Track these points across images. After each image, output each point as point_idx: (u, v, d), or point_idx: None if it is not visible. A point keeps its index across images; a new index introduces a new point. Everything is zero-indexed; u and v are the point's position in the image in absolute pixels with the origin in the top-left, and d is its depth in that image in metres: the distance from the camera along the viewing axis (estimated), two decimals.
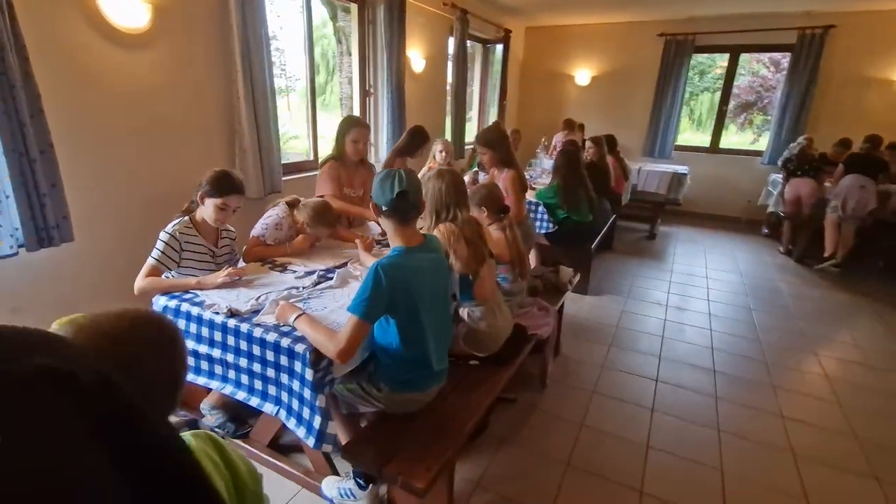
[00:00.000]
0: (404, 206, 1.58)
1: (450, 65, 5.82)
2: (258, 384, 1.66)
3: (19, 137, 2.07)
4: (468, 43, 5.87)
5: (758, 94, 9.93)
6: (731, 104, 7.14)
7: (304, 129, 4.24)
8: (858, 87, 5.96)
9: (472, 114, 7.09)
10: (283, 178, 3.64)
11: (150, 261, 2.00)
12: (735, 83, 6.92)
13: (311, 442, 1.51)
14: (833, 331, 3.71)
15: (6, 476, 0.28)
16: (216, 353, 1.71)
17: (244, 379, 1.69)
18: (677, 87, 6.77)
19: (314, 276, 2.08)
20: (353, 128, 2.83)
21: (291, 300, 1.82)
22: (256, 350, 1.62)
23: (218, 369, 1.75)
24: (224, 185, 2.08)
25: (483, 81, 7.06)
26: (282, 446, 2.14)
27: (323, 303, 1.84)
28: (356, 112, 4.63)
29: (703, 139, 7.22)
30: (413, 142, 3.45)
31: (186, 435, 0.86)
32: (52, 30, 2.24)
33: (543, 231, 4.03)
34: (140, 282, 1.93)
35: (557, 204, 3.96)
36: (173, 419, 1.14)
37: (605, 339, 3.41)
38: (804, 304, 4.18)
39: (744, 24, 6.23)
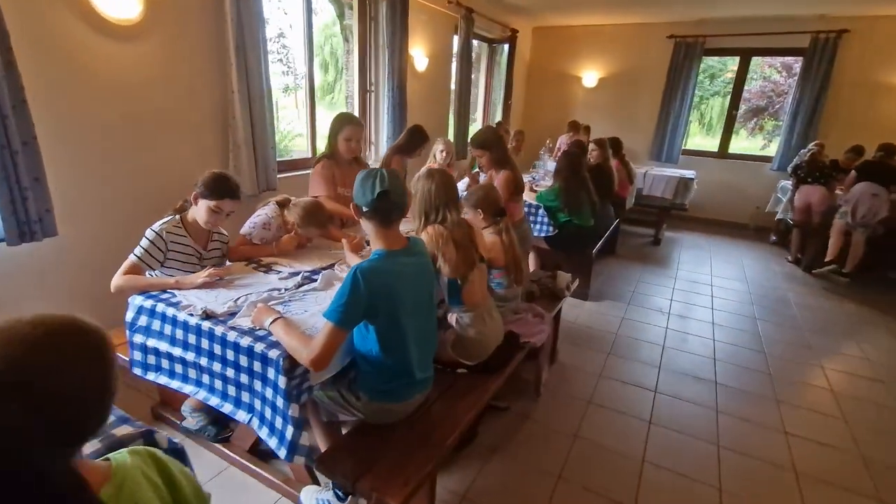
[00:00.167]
0: (386, 208, 1.51)
1: (454, 64, 5.74)
2: (231, 390, 1.59)
3: (0, 129, 2.01)
4: (473, 42, 5.79)
5: (769, 98, 9.78)
6: (742, 109, 7.02)
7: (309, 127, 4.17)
8: (871, 94, 5.81)
9: (477, 114, 7.01)
10: (282, 176, 3.60)
11: (131, 258, 1.93)
12: (746, 88, 6.80)
13: (282, 453, 1.44)
14: (841, 343, 3.59)
15: None
16: (190, 356, 1.64)
17: (217, 384, 1.62)
18: (686, 91, 6.65)
19: (298, 278, 2.01)
20: (347, 125, 2.76)
21: (271, 303, 1.75)
22: (230, 355, 1.55)
23: (192, 373, 1.68)
24: (219, 187, 2.01)
25: (488, 82, 6.97)
26: (263, 452, 2.07)
27: (304, 306, 1.77)
28: (356, 109, 4.55)
29: (714, 144, 7.09)
30: (412, 140, 3.37)
31: (122, 453, 0.79)
32: (38, 20, 2.19)
33: (544, 234, 3.94)
34: (117, 279, 1.86)
35: (558, 207, 3.87)
36: (127, 429, 1.07)
37: (603, 347, 3.31)
38: (812, 314, 4.06)
39: (755, 28, 6.11)
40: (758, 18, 6.01)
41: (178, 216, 2.10)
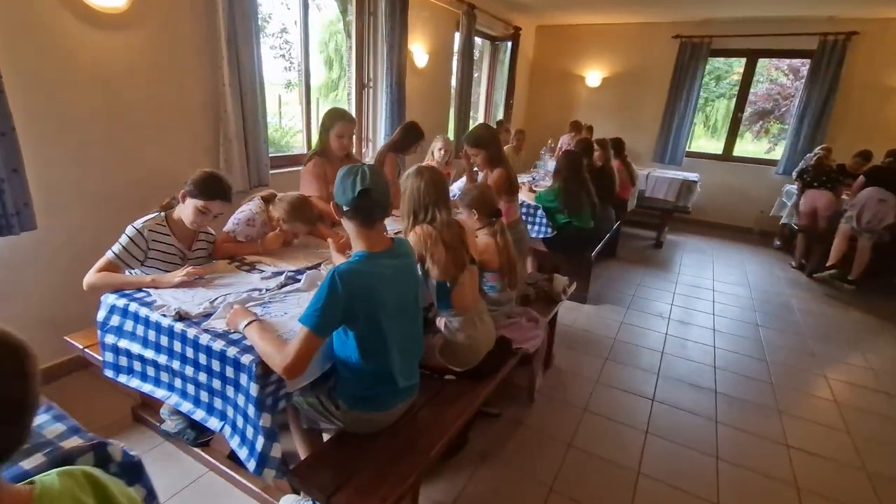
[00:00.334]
0: (367, 207, 1.42)
1: (455, 61, 5.65)
2: (204, 396, 1.51)
3: None
4: (476, 40, 5.70)
5: (775, 101, 9.65)
6: (748, 111, 6.91)
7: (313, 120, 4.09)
8: (881, 97, 5.70)
9: (479, 114, 6.92)
10: (278, 171, 3.52)
11: (108, 254, 1.85)
12: (752, 90, 6.68)
13: (251, 465, 1.35)
14: (845, 352, 3.49)
15: None
16: (162, 359, 1.56)
17: (190, 389, 1.54)
18: (691, 92, 6.55)
19: (281, 278, 1.93)
20: (338, 121, 2.68)
21: (249, 304, 1.67)
22: (202, 358, 1.47)
23: (164, 377, 1.60)
24: (210, 188, 1.92)
25: (490, 80, 6.88)
26: None
27: (284, 307, 1.69)
28: (353, 106, 4.47)
29: (718, 146, 6.99)
30: (406, 137, 3.29)
31: (51, 474, 0.71)
32: (18, 5, 2.11)
33: (542, 236, 3.85)
34: (90, 276, 1.78)
35: (558, 208, 3.79)
36: (77, 441, 0.99)
37: (601, 352, 3.23)
38: (815, 322, 3.96)
39: (762, 29, 6.00)
40: (765, 19, 5.91)
41: (163, 213, 2.02)
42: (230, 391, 1.43)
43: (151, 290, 1.75)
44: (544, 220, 3.83)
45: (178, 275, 1.80)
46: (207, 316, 1.58)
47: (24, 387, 0.63)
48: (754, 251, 5.92)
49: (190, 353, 1.49)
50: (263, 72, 3.16)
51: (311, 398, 1.62)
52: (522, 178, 4.63)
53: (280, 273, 1.99)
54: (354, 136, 4.33)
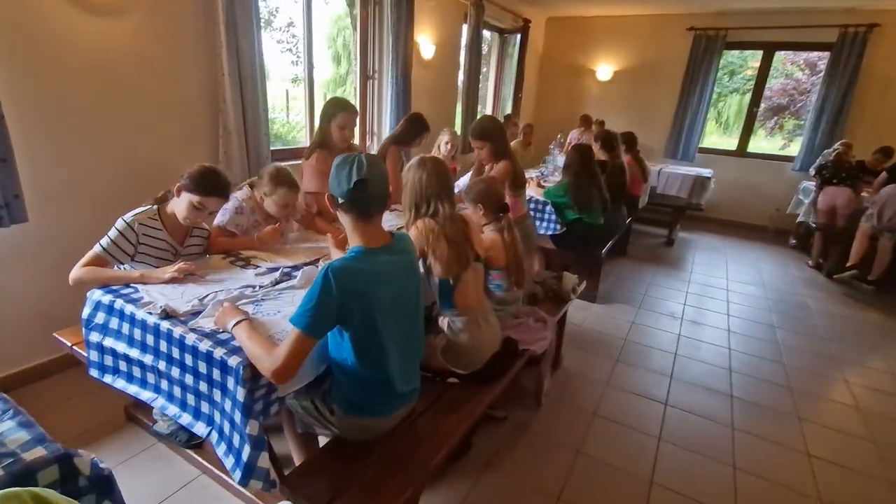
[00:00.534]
0: (363, 199, 1.32)
1: (463, 53, 5.52)
2: (190, 399, 1.42)
3: None
4: (484, 33, 5.57)
5: (791, 97, 9.43)
6: (762, 107, 6.72)
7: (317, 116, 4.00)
8: None
9: (487, 108, 6.79)
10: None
11: (96, 248, 1.77)
12: (767, 85, 6.49)
13: (237, 476, 1.26)
14: (866, 356, 3.35)
15: None
16: (148, 359, 1.47)
17: (176, 392, 1.45)
18: (706, 86, 6.37)
19: (276, 274, 1.83)
20: (340, 112, 2.57)
21: (241, 302, 1.58)
22: (189, 360, 1.38)
23: (150, 378, 1.52)
24: (207, 184, 1.83)
25: (498, 73, 6.75)
26: None
27: (278, 306, 1.60)
28: (357, 97, 4.36)
29: (730, 143, 6.81)
30: (410, 129, 3.17)
31: None
32: None
33: (550, 233, 3.73)
34: (76, 270, 1.70)
35: (567, 203, 3.67)
36: (40, 452, 0.90)
37: (611, 354, 3.11)
38: (834, 323, 3.82)
39: (779, 21, 5.82)
40: (782, 10, 5.73)
41: (155, 207, 1.93)
42: (217, 395, 1.34)
43: (139, 286, 1.67)
44: (553, 217, 3.71)
45: (169, 270, 1.71)
46: (196, 314, 1.49)
47: None
48: (769, 250, 5.76)
49: (176, 353, 1.40)
50: (265, 61, 3.06)
51: (305, 402, 1.53)
52: (531, 174, 4.51)
53: (275, 269, 1.89)
54: (358, 129, 4.25)
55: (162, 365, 1.44)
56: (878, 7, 5.34)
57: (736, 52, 7.13)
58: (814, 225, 5.13)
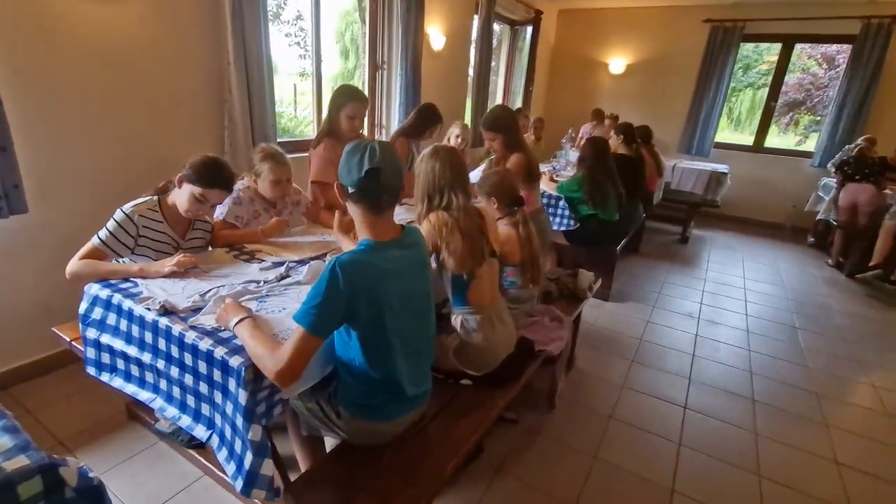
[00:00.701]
0: (375, 189, 1.23)
1: (473, 45, 5.41)
2: (190, 401, 1.34)
3: None
4: (494, 25, 5.45)
5: (807, 92, 9.22)
6: (779, 101, 6.55)
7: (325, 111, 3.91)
8: None
9: (497, 101, 6.67)
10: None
11: (93, 240, 1.69)
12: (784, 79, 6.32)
13: (238, 485, 1.18)
14: (891, 359, 3.22)
15: None
16: (146, 357, 1.40)
17: (176, 392, 1.37)
18: (722, 79, 6.22)
19: (281, 269, 1.75)
20: (350, 102, 2.48)
21: (244, 298, 1.50)
22: (188, 359, 1.30)
23: (149, 377, 1.44)
24: (210, 175, 1.74)
25: (509, 66, 6.62)
26: None
27: (283, 302, 1.51)
28: (366, 89, 4.27)
29: (741, 139, 6.64)
30: (421, 121, 3.06)
31: None
32: None
33: (563, 229, 3.62)
34: (73, 264, 1.63)
35: (581, 199, 3.56)
36: (23, 461, 0.82)
37: (626, 354, 3.01)
38: (858, 325, 3.69)
39: (800, 12, 5.65)
40: (802, 2, 5.55)
41: (156, 198, 1.85)
42: (218, 397, 1.26)
43: (139, 280, 1.59)
44: (566, 212, 3.61)
45: (169, 263, 1.63)
46: (196, 311, 1.41)
47: None
48: (786, 248, 5.61)
49: (175, 351, 1.32)
50: (272, 50, 2.98)
51: (310, 403, 1.44)
52: (542, 168, 4.39)
53: (281, 263, 1.81)
54: (366, 121, 4.16)
55: (161, 364, 1.37)
56: None
57: (750, 46, 6.95)
58: (834, 222, 4.98)
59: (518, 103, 6.76)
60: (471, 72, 5.49)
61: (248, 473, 1.15)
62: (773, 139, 7.42)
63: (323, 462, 1.43)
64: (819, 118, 7.09)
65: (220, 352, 1.23)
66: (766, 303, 3.98)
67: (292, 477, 1.64)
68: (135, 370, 1.47)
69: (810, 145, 6.35)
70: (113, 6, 2.29)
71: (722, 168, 5.66)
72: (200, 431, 1.32)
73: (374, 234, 1.27)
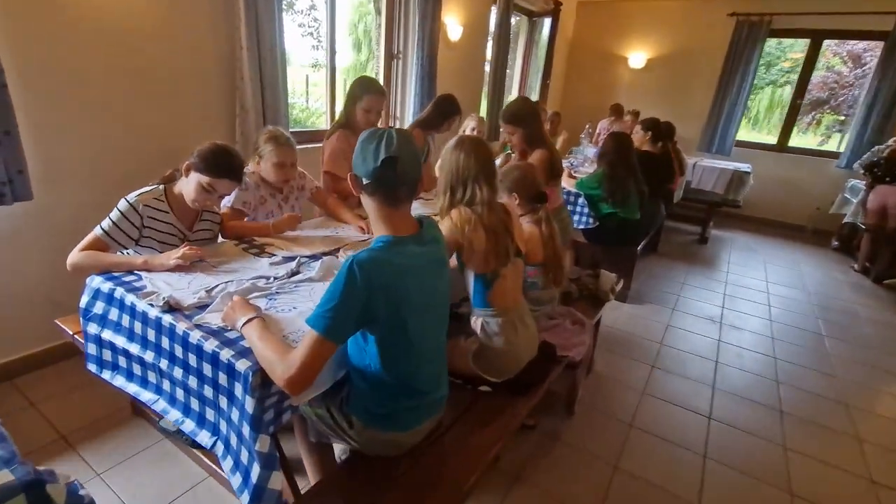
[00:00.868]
0: (391, 180, 1.13)
1: (490, 37, 5.27)
2: (194, 404, 1.26)
3: None
4: (513, 15, 5.30)
5: (832, 91, 8.95)
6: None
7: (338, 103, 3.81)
8: None
9: (513, 94, 6.53)
10: (299, 147, 3.24)
11: (96, 231, 1.61)
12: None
13: (244, 499, 1.09)
14: None
15: None
16: (148, 356, 1.32)
17: (179, 394, 1.29)
18: (746, 75, 6.02)
19: (293, 264, 1.66)
20: (367, 94, 2.38)
21: (253, 295, 1.41)
22: (192, 360, 1.21)
23: (151, 376, 1.36)
24: (219, 164, 1.64)
25: (526, 58, 6.47)
26: None
27: (294, 300, 1.42)
28: (381, 79, 4.16)
29: (761, 138, 6.43)
30: (439, 112, 2.94)
31: None
32: None
33: (582, 227, 3.50)
34: (74, 255, 1.55)
35: (601, 196, 3.43)
36: (7, 477, 0.74)
37: (646, 358, 2.90)
38: (887, 333, 3.54)
39: (829, 6, 5.44)
40: None
41: (162, 187, 1.76)
42: (223, 402, 1.18)
43: (143, 274, 1.51)
44: (586, 209, 3.48)
45: (174, 255, 1.55)
46: (202, 308, 1.32)
47: None
48: (809, 251, 5.44)
49: (179, 351, 1.24)
50: (285, 37, 2.88)
51: (320, 409, 1.35)
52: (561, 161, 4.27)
53: (292, 258, 1.72)
54: (382, 113, 4.06)
55: (163, 364, 1.28)
56: None
57: (772, 43, 6.73)
58: (862, 225, 4.80)
59: (534, 97, 6.61)
60: (487, 64, 5.36)
61: (256, 487, 1.07)
62: (794, 139, 7.24)
63: (334, 473, 1.34)
64: (843, 118, 6.87)
65: (226, 354, 1.14)
66: (790, 308, 3.83)
67: (300, 481, 1.56)
68: (137, 369, 1.39)
69: (832, 145, 6.14)
70: None
71: (745, 167, 5.49)
72: (204, 438, 1.23)
73: (391, 228, 1.17)
